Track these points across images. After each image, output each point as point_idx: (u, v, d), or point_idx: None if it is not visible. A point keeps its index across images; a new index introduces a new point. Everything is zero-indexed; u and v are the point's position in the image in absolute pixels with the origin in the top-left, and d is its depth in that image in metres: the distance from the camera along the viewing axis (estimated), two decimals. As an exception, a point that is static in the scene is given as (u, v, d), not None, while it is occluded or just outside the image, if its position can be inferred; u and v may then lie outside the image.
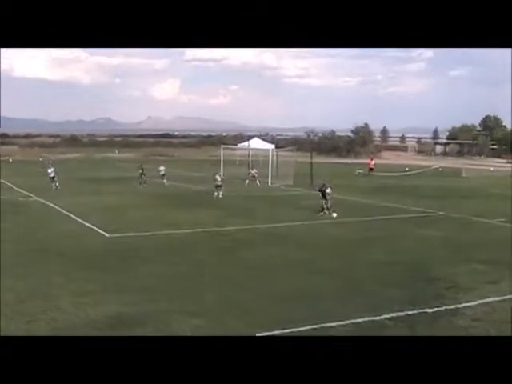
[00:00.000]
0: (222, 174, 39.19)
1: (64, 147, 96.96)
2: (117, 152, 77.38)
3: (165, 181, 43.17)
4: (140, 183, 41.82)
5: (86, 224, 24.53)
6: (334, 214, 27.78)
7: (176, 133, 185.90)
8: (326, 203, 28.83)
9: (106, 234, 22.34)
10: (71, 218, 26.47)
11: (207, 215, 28.26)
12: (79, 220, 25.59)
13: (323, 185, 29.59)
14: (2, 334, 10.98)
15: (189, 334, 11.24)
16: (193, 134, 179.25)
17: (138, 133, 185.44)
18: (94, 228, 23.62)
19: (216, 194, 35.40)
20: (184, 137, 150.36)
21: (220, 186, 35.91)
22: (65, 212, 28.06)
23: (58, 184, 38.92)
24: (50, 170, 39.96)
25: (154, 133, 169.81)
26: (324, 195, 28.99)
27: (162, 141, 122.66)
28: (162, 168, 44.36)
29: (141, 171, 42.81)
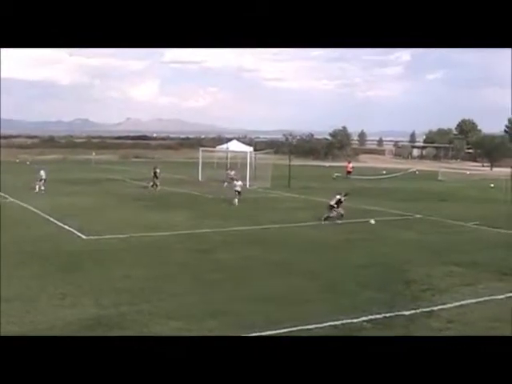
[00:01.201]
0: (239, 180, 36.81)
1: (42, 148, 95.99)
2: (93, 154, 76.77)
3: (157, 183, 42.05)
4: (152, 186, 40.91)
5: (64, 226, 24.34)
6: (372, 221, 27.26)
7: (154, 134, 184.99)
8: (338, 211, 27.74)
9: (84, 236, 22.19)
10: (49, 220, 26.23)
11: (184, 217, 28.19)
12: (57, 222, 25.38)
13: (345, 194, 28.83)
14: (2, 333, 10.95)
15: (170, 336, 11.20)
16: (171, 135, 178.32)
17: (116, 134, 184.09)
18: (72, 230, 23.45)
19: (235, 200, 33.74)
20: (162, 139, 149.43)
21: (239, 192, 34.53)
22: (42, 214, 27.80)
23: (43, 188, 38.36)
24: (42, 172, 39.27)
25: (132, 134, 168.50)
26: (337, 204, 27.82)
27: (141, 143, 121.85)
28: (157, 170, 42.87)
29: (154, 174, 41.71)
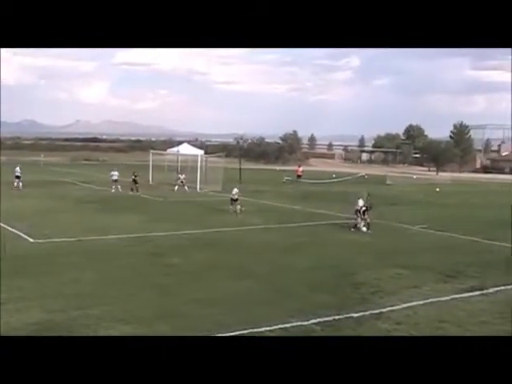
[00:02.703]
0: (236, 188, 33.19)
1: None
2: (42, 156, 75.43)
3: (119, 186, 41.63)
4: (132, 190, 40.65)
5: (11, 229, 23.84)
6: (364, 229, 26.28)
7: (104, 137, 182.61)
8: (365, 219, 26.62)
9: (31, 240, 21.80)
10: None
11: (135, 220, 27.97)
12: (3, 225, 24.81)
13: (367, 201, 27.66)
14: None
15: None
16: (122, 138, 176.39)
17: (65, 136, 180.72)
18: (19, 233, 23.00)
19: (237, 208, 31.82)
20: (113, 141, 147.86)
21: (236, 199, 32.21)
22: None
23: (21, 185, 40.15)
24: (17, 168, 41.49)
25: (81, 136, 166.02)
26: (364, 211, 26.64)
27: (91, 145, 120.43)
28: (114, 173, 42.65)
29: (134, 177, 41.50)
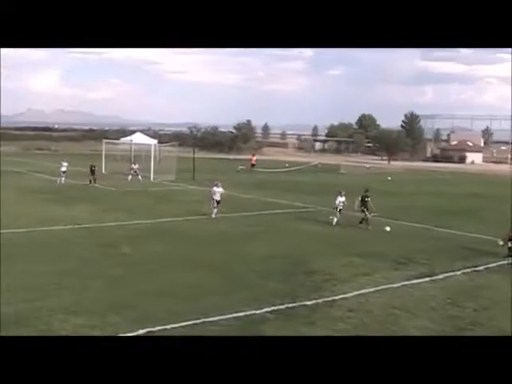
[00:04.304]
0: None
1: None
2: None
3: (63, 179, 40.70)
4: (90, 182, 39.68)
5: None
6: (388, 228, 24.48)
7: (56, 126, 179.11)
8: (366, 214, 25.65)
9: (-22, 231, 21.27)
10: None
11: (87, 211, 27.61)
12: None
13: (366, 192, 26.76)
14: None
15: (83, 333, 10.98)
16: (74, 127, 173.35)
17: (16, 125, 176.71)
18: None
19: (214, 211, 26.54)
20: (65, 130, 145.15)
21: (219, 201, 26.82)
22: None
23: None
24: None
25: (33, 126, 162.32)
26: (365, 205, 25.76)
27: (43, 134, 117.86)
28: (64, 164, 41.59)
29: (90, 170, 40.44)
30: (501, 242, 19.96)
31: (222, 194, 27.04)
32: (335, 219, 25.61)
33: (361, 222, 25.62)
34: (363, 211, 25.69)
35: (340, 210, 26.00)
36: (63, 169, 41.39)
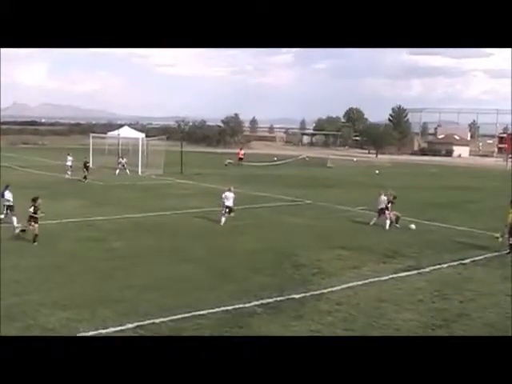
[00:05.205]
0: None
1: None
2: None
3: (69, 173, 40.55)
4: (84, 178, 38.87)
5: None
6: (413, 226, 23.80)
7: (43, 120, 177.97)
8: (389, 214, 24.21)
9: (-35, 226, 21.19)
10: None
11: (75, 205, 27.54)
12: None
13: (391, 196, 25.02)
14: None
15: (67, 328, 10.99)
16: (61, 121, 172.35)
17: (1, 119, 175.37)
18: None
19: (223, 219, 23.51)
20: (52, 124, 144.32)
21: (231, 208, 23.94)
22: None
23: None
24: None
25: (19, 120, 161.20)
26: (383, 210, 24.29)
27: (29, 128, 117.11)
28: (69, 158, 41.60)
29: (84, 166, 39.86)
30: (500, 238, 19.80)
31: (235, 199, 24.36)
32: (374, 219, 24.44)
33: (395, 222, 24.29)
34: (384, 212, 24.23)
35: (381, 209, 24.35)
36: (69, 163, 41.38)
